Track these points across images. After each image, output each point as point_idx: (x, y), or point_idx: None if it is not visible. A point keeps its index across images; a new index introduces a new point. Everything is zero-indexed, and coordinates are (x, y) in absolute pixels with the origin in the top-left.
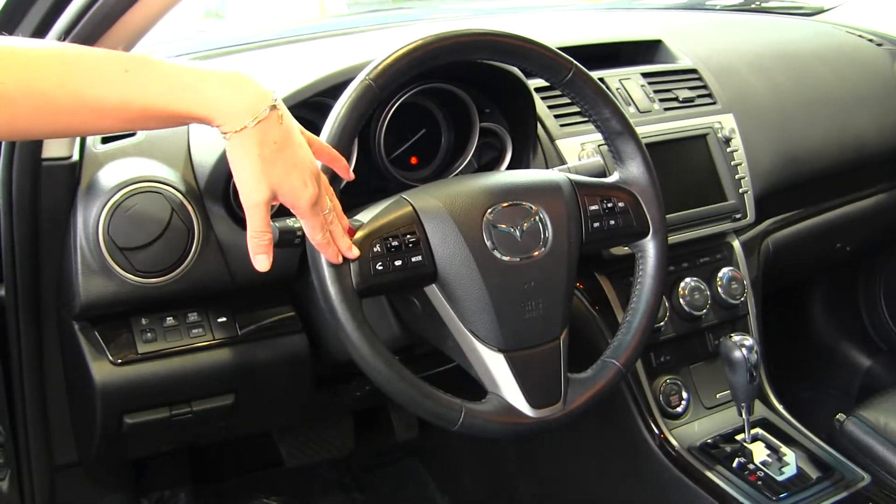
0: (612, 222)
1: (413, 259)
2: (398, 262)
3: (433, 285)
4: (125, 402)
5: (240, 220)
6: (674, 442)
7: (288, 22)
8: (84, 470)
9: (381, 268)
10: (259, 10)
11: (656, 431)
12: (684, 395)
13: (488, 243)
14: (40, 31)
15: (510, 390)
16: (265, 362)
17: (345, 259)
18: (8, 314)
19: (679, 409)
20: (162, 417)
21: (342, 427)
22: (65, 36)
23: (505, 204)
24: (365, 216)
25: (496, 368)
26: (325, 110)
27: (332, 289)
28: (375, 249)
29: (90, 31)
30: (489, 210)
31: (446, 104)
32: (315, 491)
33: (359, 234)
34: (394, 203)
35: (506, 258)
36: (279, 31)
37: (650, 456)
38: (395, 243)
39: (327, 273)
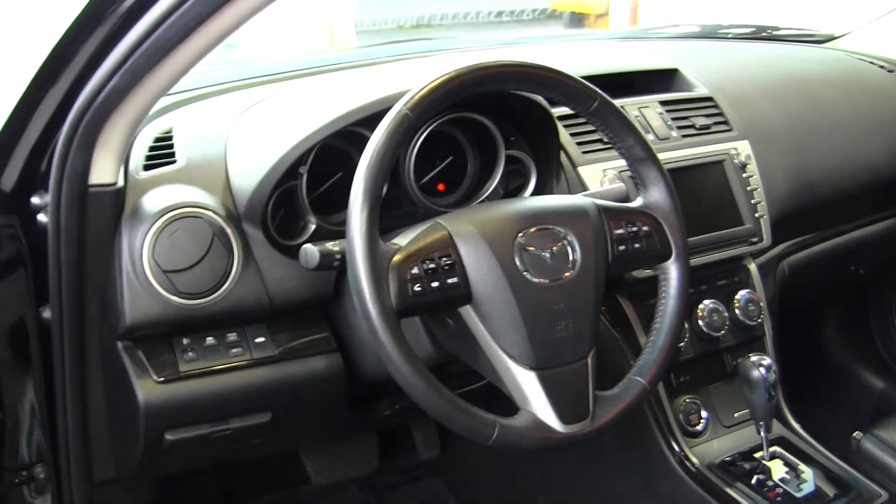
0: (637, 245)
1: (449, 281)
2: (435, 284)
3: (468, 306)
4: (167, 419)
5: (277, 244)
6: (694, 459)
7: (309, 54)
8: (121, 486)
9: (419, 289)
10: (269, 38)
11: (676, 449)
12: (703, 413)
13: (520, 266)
14: (92, 65)
15: (541, 406)
16: (301, 381)
17: (384, 281)
18: (53, 334)
19: (699, 428)
20: (201, 434)
21: (367, 446)
22: (116, 69)
23: (535, 228)
24: (402, 240)
25: (527, 385)
26: (358, 139)
27: (372, 309)
28: (413, 272)
29: (141, 65)
30: (520, 234)
31: (472, 132)
32: None
33: (397, 257)
34: (430, 227)
35: (536, 280)
36: (301, 62)
37: (671, 473)
38: (431, 266)
39: (368, 294)
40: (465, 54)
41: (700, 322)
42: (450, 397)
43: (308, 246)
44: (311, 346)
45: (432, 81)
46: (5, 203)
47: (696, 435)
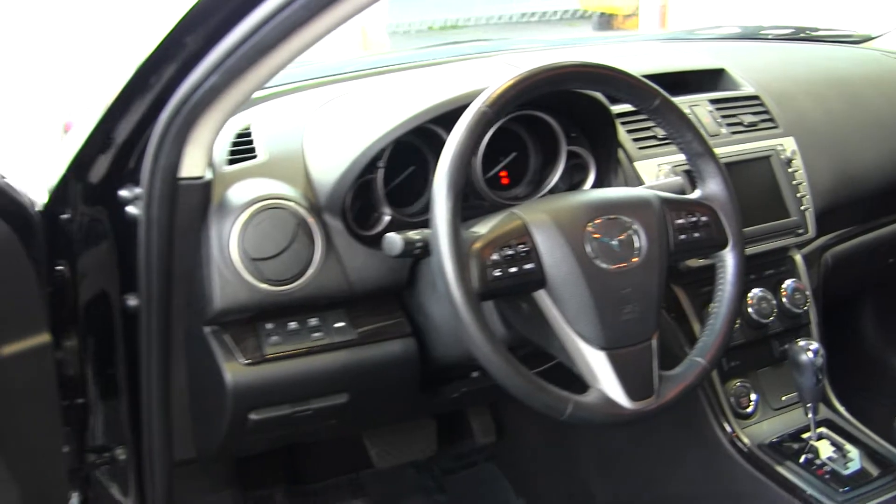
0: (696, 234)
1: (525, 266)
2: (513, 270)
3: (542, 290)
4: (252, 399)
5: (356, 234)
6: (745, 440)
7: (370, 54)
8: (198, 466)
9: (498, 274)
10: None
11: (728, 430)
12: (753, 396)
13: (590, 253)
14: (190, 64)
15: (610, 384)
16: (378, 363)
17: (467, 266)
18: (141, 321)
19: (749, 410)
20: (284, 414)
21: (427, 431)
22: (215, 68)
23: (604, 217)
24: (481, 228)
25: (597, 365)
26: (429, 136)
27: (456, 292)
28: (493, 258)
29: (240, 65)
30: (590, 223)
31: (534, 129)
32: (399, 493)
33: (478, 244)
34: (506, 217)
35: (605, 266)
36: (363, 62)
37: (723, 453)
38: (509, 252)
39: (452, 278)
40: (522, 55)
41: (749, 309)
42: (528, 375)
43: (392, 234)
44: (388, 330)
45: (510, 80)
46: (93, 195)
47: (747, 417)
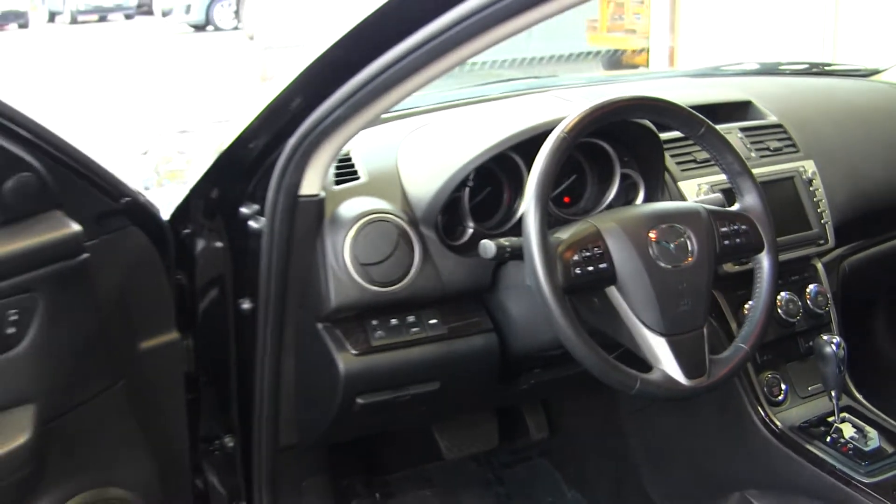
0: (738, 240)
1: (600, 266)
2: (590, 269)
3: (612, 286)
4: (361, 385)
5: (446, 244)
6: (777, 423)
7: (434, 92)
8: (294, 454)
9: (578, 272)
10: None
11: (763, 414)
12: (783, 386)
13: (652, 255)
14: (318, 100)
15: (670, 365)
16: (464, 355)
17: (554, 265)
18: (258, 320)
19: (780, 398)
20: (386, 399)
21: (489, 426)
22: (344, 101)
23: (663, 225)
24: (562, 234)
25: (659, 349)
26: (505, 160)
27: (546, 288)
28: (574, 259)
29: (366, 99)
30: (651, 230)
31: (591, 154)
32: (464, 484)
33: (561, 248)
34: (582, 225)
35: (664, 265)
36: (429, 99)
37: (758, 434)
38: (587, 254)
39: (543, 276)
40: (570, 90)
41: (779, 310)
42: (604, 356)
43: (486, 241)
44: (472, 326)
45: (584, 111)
46: (214, 213)
47: (778, 404)
